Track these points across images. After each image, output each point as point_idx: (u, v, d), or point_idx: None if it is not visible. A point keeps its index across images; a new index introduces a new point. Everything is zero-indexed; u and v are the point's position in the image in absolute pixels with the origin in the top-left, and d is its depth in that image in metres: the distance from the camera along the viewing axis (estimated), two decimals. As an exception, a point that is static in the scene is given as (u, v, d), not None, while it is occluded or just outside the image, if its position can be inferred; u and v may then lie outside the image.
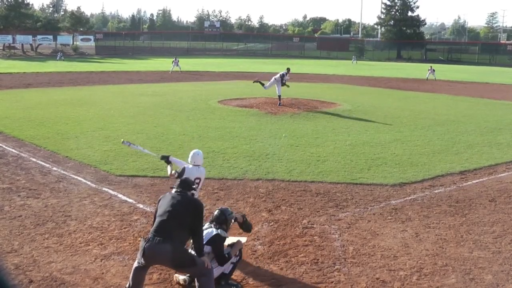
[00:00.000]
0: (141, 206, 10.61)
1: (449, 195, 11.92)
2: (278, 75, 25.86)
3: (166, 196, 6.98)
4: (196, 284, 6.86)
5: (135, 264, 6.72)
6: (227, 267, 7.32)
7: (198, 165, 8.68)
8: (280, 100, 25.29)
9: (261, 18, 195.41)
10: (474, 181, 13.18)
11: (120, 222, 9.69)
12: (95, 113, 22.38)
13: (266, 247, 8.74)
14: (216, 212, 7.66)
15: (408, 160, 15.00)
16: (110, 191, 11.53)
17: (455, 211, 10.82)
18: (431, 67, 50.60)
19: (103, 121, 20.32)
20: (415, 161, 14.91)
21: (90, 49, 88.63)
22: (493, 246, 9.02)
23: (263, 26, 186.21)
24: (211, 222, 7.54)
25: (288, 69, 26.35)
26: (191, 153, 8.72)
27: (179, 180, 7.20)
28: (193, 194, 7.08)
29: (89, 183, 12.17)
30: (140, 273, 6.73)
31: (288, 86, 25.84)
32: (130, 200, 10.88)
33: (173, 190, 7.05)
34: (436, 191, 12.18)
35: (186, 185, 7.07)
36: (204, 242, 7.03)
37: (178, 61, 49.91)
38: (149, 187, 11.84)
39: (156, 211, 6.92)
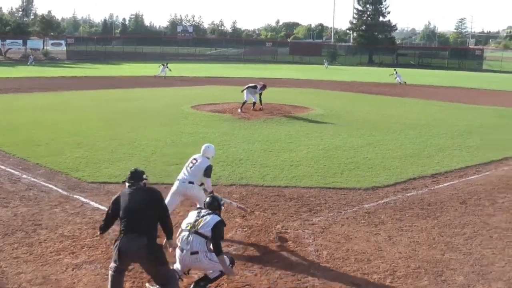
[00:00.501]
0: (113, 213, 10.46)
1: (421, 198, 12.03)
2: (255, 87, 25.49)
3: (123, 194, 6.89)
4: None
5: (111, 272, 6.62)
6: (215, 272, 7.24)
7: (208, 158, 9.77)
8: (253, 106, 25.22)
9: (234, 23, 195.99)
10: (445, 184, 13.33)
11: (92, 230, 9.55)
12: (67, 119, 22.12)
13: (240, 253, 8.70)
14: (208, 199, 7.70)
15: (380, 164, 15.11)
16: (82, 199, 11.38)
17: (427, 213, 10.91)
18: (395, 71, 51.29)
19: (75, 127, 20.08)
20: (387, 165, 15.02)
21: (61, 54, 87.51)
22: (464, 248, 9.12)
23: (236, 31, 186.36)
24: (201, 209, 7.59)
25: (265, 86, 26.10)
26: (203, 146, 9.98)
27: (129, 172, 7.09)
28: (145, 184, 7.03)
29: (60, 190, 11.99)
30: (118, 280, 6.66)
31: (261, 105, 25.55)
32: (103, 207, 10.73)
33: (127, 185, 6.97)
34: (408, 194, 12.29)
35: (136, 176, 7.01)
36: (210, 228, 7.06)
37: (167, 66, 49.57)
38: (122, 194, 11.71)
39: (109, 210, 6.93)
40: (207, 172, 9.47)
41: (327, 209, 11.01)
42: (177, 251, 7.20)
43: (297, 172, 14.00)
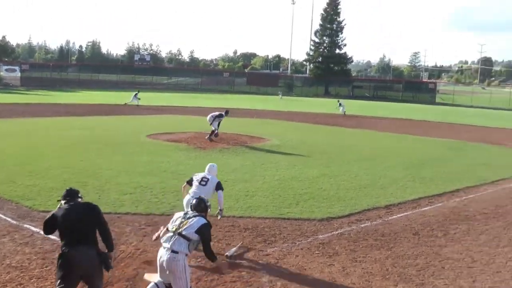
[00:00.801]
0: (64, 243, 10.22)
1: (375, 229, 12.16)
2: (221, 115, 25.55)
3: (60, 211, 6.92)
4: None
5: None
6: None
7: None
8: (211, 135, 25.12)
9: (191, 52, 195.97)
10: (398, 215, 13.51)
11: (41, 260, 9.31)
12: (19, 146, 21.66)
13: (193, 284, 8.60)
14: (194, 201, 7.86)
15: (335, 195, 15.23)
16: (32, 228, 11.09)
17: (381, 244, 11.02)
18: (339, 102, 52.93)
19: (27, 155, 19.66)
20: (342, 196, 15.16)
21: (15, 80, 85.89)
22: (416, 279, 9.23)
23: (193, 61, 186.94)
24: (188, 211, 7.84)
25: (227, 112, 26.25)
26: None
27: (65, 191, 7.18)
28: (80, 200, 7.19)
29: (9, 219, 11.67)
30: None
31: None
32: (53, 237, 10.41)
33: (62, 202, 7.03)
34: (362, 225, 12.40)
35: (72, 194, 7.12)
36: (194, 231, 7.24)
37: (138, 94, 49.53)
38: (73, 224, 11.46)
39: (46, 228, 7.08)
40: (220, 185, 10.96)
41: (282, 240, 11.01)
42: (160, 252, 7.26)
43: (252, 202, 14.00)
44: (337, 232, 11.76)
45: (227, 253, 9.91)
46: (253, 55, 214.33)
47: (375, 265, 9.78)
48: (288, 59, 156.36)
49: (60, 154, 20.07)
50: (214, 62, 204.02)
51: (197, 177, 10.98)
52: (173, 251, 7.10)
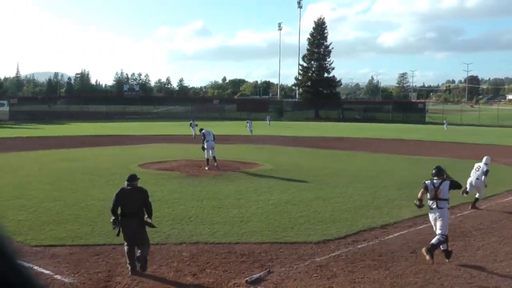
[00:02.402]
0: (59, 277, 10.11)
1: (372, 249, 12.13)
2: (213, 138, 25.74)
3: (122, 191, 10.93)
4: None
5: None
6: None
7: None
8: (208, 164, 25.14)
9: (180, 81, 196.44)
10: (395, 234, 13.51)
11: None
12: (10, 181, 21.53)
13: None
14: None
15: (330, 217, 15.22)
16: (25, 263, 10.94)
17: (378, 264, 10.99)
18: (247, 121, 54.82)
19: (18, 189, 19.54)
20: (337, 218, 15.15)
21: (4, 115, 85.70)
22: (416, 298, 9.19)
23: (183, 89, 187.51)
24: None
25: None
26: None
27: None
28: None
29: (2, 255, 11.52)
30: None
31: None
32: (47, 272, 10.37)
33: (126, 183, 11.00)
34: (359, 246, 12.37)
35: (132, 178, 11.15)
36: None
37: (195, 123, 48.65)
38: (68, 257, 11.36)
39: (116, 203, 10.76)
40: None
41: (279, 264, 10.96)
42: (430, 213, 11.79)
43: (248, 228, 13.95)
44: (334, 254, 11.72)
45: (247, 279, 9.91)
46: (242, 81, 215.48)
47: (374, 285, 9.75)
48: (277, 84, 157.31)
49: (52, 187, 19.98)
50: (204, 90, 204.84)
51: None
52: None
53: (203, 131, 26.19)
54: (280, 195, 18.67)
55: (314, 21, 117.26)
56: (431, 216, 11.59)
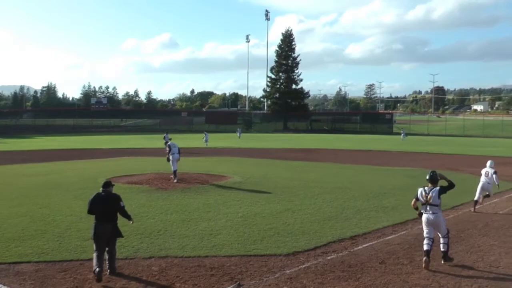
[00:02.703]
0: (24, 294, 9.93)
1: (342, 260, 12.18)
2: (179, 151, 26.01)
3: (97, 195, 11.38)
4: None
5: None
6: None
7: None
8: (176, 176, 25.25)
9: (148, 93, 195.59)
10: (364, 245, 13.59)
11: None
12: (-28, 197, 21.06)
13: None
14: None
15: (300, 229, 15.24)
16: (-10, 281, 10.74)
17: (348, 275, 11.03)
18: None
19: (-19, 205, 19.12)
20: (306, 229, 15.18)
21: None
22: (386, 309, 9.24)
23: (151, 102, 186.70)
24: None
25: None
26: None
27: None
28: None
29: (-35, 273, 11.27)
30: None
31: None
32: (13, 289, 10.17)
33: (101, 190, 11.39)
34: (329, 258, 12.41)
35: (107, 184, 11.55)
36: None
37: (170, 137, 48.93)
38: (34, 274, 11.13)
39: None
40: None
41: (249, 277, 10.92)
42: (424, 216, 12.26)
43: (217, 241, 13.89)
44: (304, 266, 11.73)
45: None
46: (210, 94, 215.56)
47: (344, 297, 9.76)
48: (245, 96, 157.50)
49: (18, 202, 19.59)
50: (172, 102, 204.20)
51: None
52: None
53: (168, 143, 26.46)
54: (249, 207, 18.65)
55: (282, 33, 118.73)
56: (424, 218, 12.18)
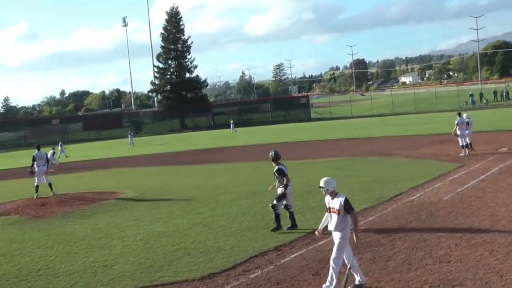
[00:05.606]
0: None
1: (268, 277, 12.25)
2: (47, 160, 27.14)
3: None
4: None
5: None
6: None
7: None
8: (37, 191, 26.26)
9: (5, 100, 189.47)
10: (292, 256, 13.73)
11: None
12: None
13: None
14: None
15: (214, 246, 15.22)
16: None
17: (277, 295, 11.11)
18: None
19: None
20: (222, 245, 15.18)
21: None
22: (326, 328, 9.37)
23: (10, 111, 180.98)
24: None
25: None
26: None
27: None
28: None
29: None
30: None
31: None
32: None
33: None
34: (252, 276, 12.45)
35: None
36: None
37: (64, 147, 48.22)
38: None
39: None
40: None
41: (159, 312, 10.80)
42: None
43: (114, 273, 13.63)
44: (223, 290, 11.73)
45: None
46: (86, 93, 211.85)
47: (276, 321, 9.83)
48: (129, 92, 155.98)
49: None
50: (38, 108, 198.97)
51: None
52: None
53: (33, 154, 26.86)
54: (149, 226, 18.45)
55: (167, 12, 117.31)
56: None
